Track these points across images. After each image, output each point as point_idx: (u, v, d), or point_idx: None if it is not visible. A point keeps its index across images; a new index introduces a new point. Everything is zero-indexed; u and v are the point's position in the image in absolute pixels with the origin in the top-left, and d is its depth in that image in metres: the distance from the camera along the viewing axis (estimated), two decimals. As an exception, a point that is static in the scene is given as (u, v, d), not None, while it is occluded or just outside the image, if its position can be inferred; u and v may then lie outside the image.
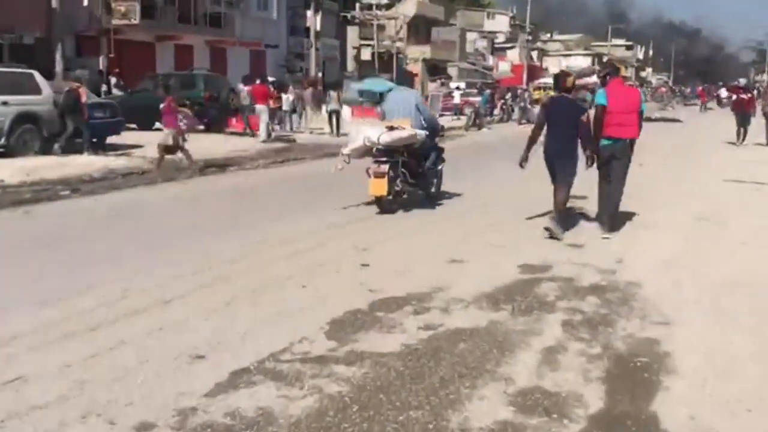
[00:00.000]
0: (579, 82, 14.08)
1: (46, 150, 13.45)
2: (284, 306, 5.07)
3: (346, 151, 9.05)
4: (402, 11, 46.23)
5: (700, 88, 56.13)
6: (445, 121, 22.97)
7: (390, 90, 9.76)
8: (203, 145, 15.81)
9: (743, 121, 20.06)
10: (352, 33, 45.31)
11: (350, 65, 44.96)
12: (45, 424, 3.29)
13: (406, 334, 4.53)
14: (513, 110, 32.24)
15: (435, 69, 47.46)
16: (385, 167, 8.57)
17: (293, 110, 22.98)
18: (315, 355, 4.16)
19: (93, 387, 3.67)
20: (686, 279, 6.00)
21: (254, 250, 6.78)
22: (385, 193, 8.61)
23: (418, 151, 9.07)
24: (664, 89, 60.31)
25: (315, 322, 4.70)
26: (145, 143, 15.17)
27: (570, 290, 5.60)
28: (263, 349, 4.21)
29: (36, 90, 13.62)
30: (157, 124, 16.05)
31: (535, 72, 60.31)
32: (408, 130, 8.76)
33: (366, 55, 45.11)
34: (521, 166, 7.70)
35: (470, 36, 58.59)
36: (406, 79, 37.52)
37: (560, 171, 7.51)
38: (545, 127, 7.63)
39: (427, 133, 9.18)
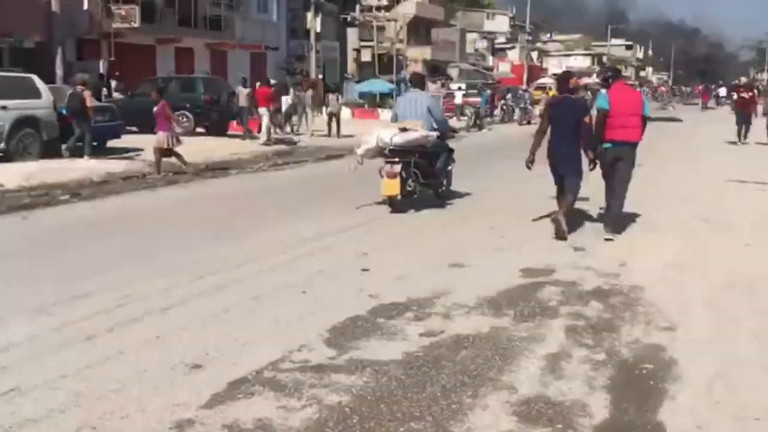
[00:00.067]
0: (579, 82, 14.04)
1: (47, 153, 13.39)
2: (283, 313, 5.00)
3: (359, 152, 9.32)
4: (402, 12, 46.20)
5: (700, 87, 56.10)
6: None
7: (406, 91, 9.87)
8: (204, 148, 15.77)
9: (744, 120, 20.00)
10: (352, 35, 45.21)
11: (350, 67, 44.92)
12: (39, 437, 3.23)
13: (407, 342, 4.47)
14: (513, 111, 32.15)
15: (435, 70, 47.39)
16: (398, 168, 8.73)
17: (293, 112, 22.91)
18: (314, 363, 4.09)
19: (88, 399, 3.60)
20: (690, 282, 5.93)
21: (254, 255, 6.71)
22: (397, 193, 8.76)
23: (429, 151, 9.22)
24: (663, 88, 60.33)
25: (314, 330, 4.63)
26: (146, 146, 15.09)
27: (573, 295, 5.53)
28: (262, 358, 4.15)
29: (36, 94, 13.59)
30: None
31: (535, 72, 60.26)
32: (420, 131, 8.94)
33: (366, 56, 45.15)
34: (528, 167, 7.77)
35: (470, 37, 58.68)
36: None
37: (568, 177, 7.52)
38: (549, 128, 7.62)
39: (438, 134, 9.35)
